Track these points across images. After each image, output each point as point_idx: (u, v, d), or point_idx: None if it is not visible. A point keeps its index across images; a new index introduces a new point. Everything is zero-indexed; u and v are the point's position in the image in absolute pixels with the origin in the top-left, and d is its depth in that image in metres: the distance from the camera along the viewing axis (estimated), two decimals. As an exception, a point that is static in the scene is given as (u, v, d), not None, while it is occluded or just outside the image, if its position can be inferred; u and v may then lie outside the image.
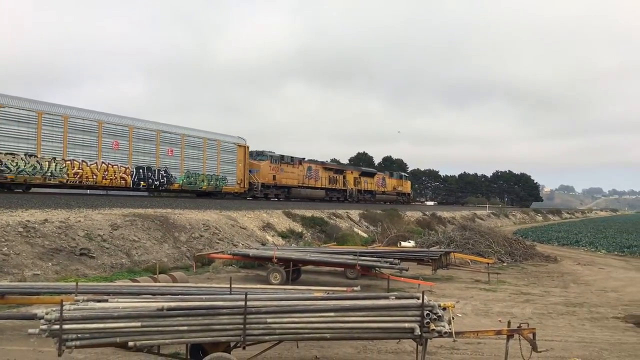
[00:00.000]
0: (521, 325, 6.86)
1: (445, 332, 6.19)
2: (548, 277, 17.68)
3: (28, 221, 14.41)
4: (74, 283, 8.45)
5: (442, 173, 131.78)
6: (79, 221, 15.72)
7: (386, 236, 25.78)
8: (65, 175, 23.30)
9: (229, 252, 15.39)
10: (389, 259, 13.90)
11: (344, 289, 8.86)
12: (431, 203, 79.11)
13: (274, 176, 37.70)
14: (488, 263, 17.76)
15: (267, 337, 5.92)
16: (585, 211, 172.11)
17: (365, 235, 29.05)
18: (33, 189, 23.36)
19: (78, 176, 23.90)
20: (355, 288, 8.44)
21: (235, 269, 16.83)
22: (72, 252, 14.12)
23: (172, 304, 5.68)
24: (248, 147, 34.82)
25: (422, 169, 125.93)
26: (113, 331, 5.46)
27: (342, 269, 15.64)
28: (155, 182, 27.84)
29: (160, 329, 5.54)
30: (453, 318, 6.51)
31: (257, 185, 35.44)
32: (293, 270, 14.43)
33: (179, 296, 6.81)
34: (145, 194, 28.78)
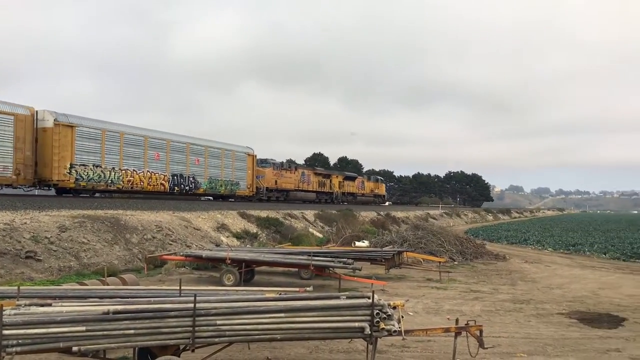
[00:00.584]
0: (469, 322, 7.02)
1: (395, 331, 6.28)
2: (497, 275, 18.14)
3: (-31, 223, 13.86)
4: (16, 287, 8.16)
5: (396, 173, 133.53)
6: (25, 223, 15.21)
7: (341, 236, 25.93)
8: (121, 183, 27.42)
9: (181, 253, 15.18)
10: (342, 259, 13.98)
11: (297, 289, 8.87)
12: (386, 204, 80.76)
13: (276, 181, 42.81)
14: (440, 262, 18.10)
15: (216, 339, 5.87)
16: (534, 210, 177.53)
17: (320, 235, 29.14)
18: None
19: (130, 183, 28.07)
20: (307, 288, 8.45)
21: (189, 270, 16.61)
22: (17, 255, 13.65)
23: (119, 307, 5.56)
24: (255, 156, 39.75)
25: (377, 169, 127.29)
26: (56, 336, 5.31)
27: (296, 269, 15.66)
28: (186, 188, 32.11)
29: (106, 333, 5.42)
30: (402, 317, 6.61)
31: (263, 189, 40.71)
32: (247, 271, 14.37)
33: (128, 299, 6.68)
34: (97, 195, 28.43)
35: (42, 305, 5.77)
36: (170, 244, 18.58)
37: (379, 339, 6.45)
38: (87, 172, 25.35)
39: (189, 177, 32.16)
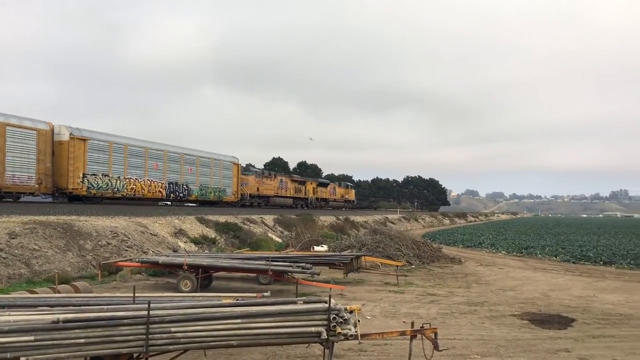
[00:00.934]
0: (424, 325, 7.13)
1: (351, 335, 6.31)
2: (453, 278, 18.47)
3: None
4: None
5: (355, 178, 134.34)
6: (-29, 230, 14.67)
7: (300, 241, 25.92)
8: (126, 190, 29.92)
9: (137, 259, 14.91)
10: (301, 264, 13.99)
11: (254, 294, 8.83)
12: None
13: (258, 188, 45.75)
14: (397, 266, 18.31)
15: (171, 347, 5.78)
16: (489, 214, 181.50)
17: (279, 240, 29.05)
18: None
19: (133, 190, 30.62)
20: (265, 294, 8.43)
21: (145, 277, 16.32)
22: (-37, 263, 13.14)
23: (69, 316, 5.42)
24: (240, 165, 42.65)
25: (337, 174, 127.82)
26: (3, 346, 5.13)
27: (255, 274, 15.57)
28: (180, 194, 34.83)
29: (55, 342, 5.27)
30: (359, 321, 6.66)
31: (247, 195, 43.41)
32: (204, 277, 14.20)
33: (79, 307, 6.52)
34: (49, 200, 27.77)
35: (-12, 315, 5.57)
36: (126, 250, 18.21)
37: (335, 343, 6.48)
38: (97, 181, 28.05)
39: (182, 184, 35.09)
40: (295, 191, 54.10)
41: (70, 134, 26.58)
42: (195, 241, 23.03)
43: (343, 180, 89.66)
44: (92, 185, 27.52)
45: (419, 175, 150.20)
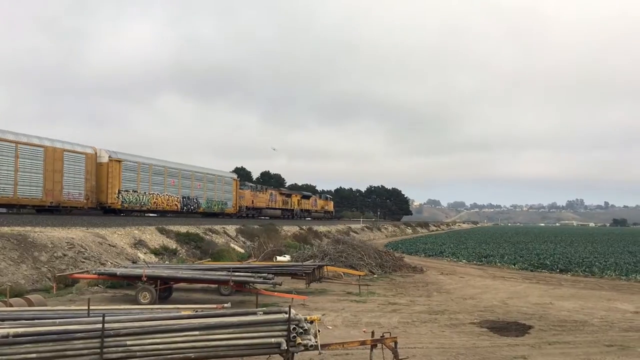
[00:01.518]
0: (384, 334, 7.17)
1: (312, 345, 6.31)
2: (414, 287, 18.64)
3: None
4: None
5: (319, 188, 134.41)
6: None
7: (262, 251, 25.77)
8: (149, 204, 35.75)
9: (94, 271, 14.55)
10: (263, 274, 13.91)
11: (214, 306, 8.72)
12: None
13: (252, 201, 52.41)
14: (359, 275, 18.39)
15: (127, 361, 5.66)
16: (450, 224, 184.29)
17: (242, 250, 28.81)
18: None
19: (155, 204, 36.52)
20: (225, 305, 8.34)
21: (102, 289, 15.93)
22: None
23: (20, 330, 5.25)
24: (238, 180, 50.27)
25: (300, 184, 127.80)
26: (-52, 363, 4.94)
27: (216, 285, 15.39)
28: (191, 207, 40.88)
29: (5, 357, 5.09)
30: (319, 331, 6.66)
31: (243, 208, 49.93)
32: (164, 289, 13.96)
33: (31, 321, 6.31)
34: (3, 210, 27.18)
35: None
36: (83, 262, 17.74)
37: (296, 354, 6.45)
38: (129, 197, 33.42)
39: (193, 198, 41.05)
40: (283, 203, 60.29)
41: (109, 157, 31.99)
42: (156, 252, 22.63)
43: (306, 190, 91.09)
44: (125, 200, 32.99)
45: (381, 185, 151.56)
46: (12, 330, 5.22)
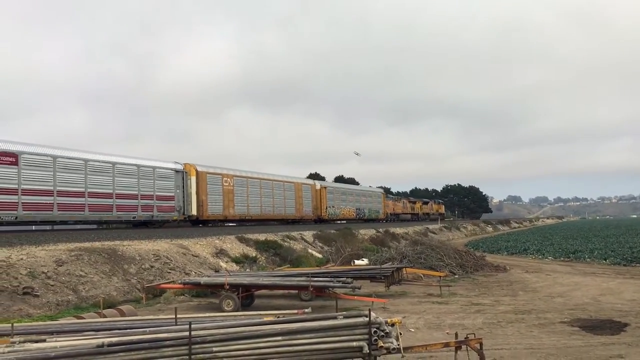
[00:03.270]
0: (468, 336, 6.99)
1: (394, 349, 6.24)
2: (498, 286, 18.07)
3: (-35, 262, 13.77)
4: (11, 324, 8.09)
5: (394, 190, 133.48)
6: (21, 259, 15.11)
7: (340, 256, 25.83)
8: (341, 215, 48.80)
9: (179, 281, 15.09)
10: (342, 278, 13.93)
11: (295, 311, 8.81)
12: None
13: (393, 208, 67.69)
14: (440, 276, 18.04)
15: (214, 367, 5.81)
16: (533, 220, 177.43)
17: (319, 255, 29.00)
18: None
19: (343, 215, 50.89)
20: (306, 310, 8.41)
21: (188, 298, 16.48)
22: (15, 291, 13.53)
23: (114, 340, 5.52)
24: (385, 194, 67.14)
25: (375, 186, 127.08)
26: (51, 372, 5.26)
27: (296, 291, 15.56)
28: (361, 215, 56.04)
29: (101, 366, 5.37)
30: (401, 333, 6.57)
31: (388, 214, 64.57)
32: (246, 296, 14.27)
33: (124, 331, 6.62)
34: (94, 227, 28.79)
35: (36, 342, 5.72)
36: (169, 273, 18.46)
37: (378, 357, 6.40)
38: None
39: (362, 209, 56.88)
40: (410, 209, 74.90)
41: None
42: (236, 260, 23.18)
43: (437, 198, 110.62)
44: (331, 213, 41.23)
45: (458, 184, 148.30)
46: (106, 340, 5.49)
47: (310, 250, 29.72)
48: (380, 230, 44.95)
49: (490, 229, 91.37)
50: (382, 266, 18.27)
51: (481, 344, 6.84)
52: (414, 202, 78.57)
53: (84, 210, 25.13)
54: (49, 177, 23.71)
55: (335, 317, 6.54)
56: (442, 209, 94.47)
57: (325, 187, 48.41)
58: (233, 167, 39.21)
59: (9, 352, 5.33)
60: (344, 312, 7.19)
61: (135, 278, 17.15)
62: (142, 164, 28.96)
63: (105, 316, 10.07)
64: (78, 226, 26.87)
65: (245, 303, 14.14)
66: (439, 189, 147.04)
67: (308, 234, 33.83)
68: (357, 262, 22.90)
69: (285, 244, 28.53)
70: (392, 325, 6.47)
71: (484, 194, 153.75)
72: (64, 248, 17.34)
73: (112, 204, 26.55)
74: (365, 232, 40.85)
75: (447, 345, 6.99)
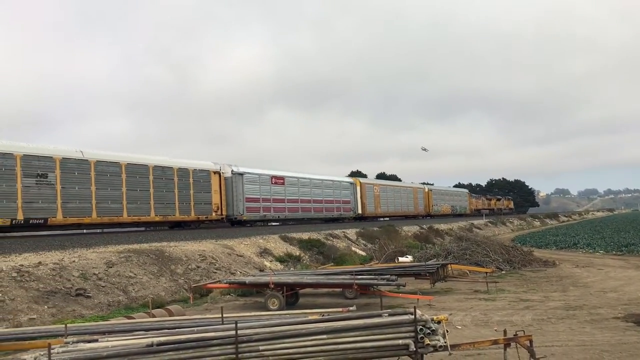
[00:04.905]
0: (517, 333, 6.84)
1: (441, 346, 6.17)
2: (547, 282, 17.63)
3: (22, 265, 14.29)
4: (65, 325, 8.36)
5: (437, 185, 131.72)
6: (74, 261, 15.61)
7: (384, 253, 25.69)
8: (440, 211, 56.43)
9: (225, 281, 15.30)
10: (386, 276, 13.86)
11: (340, 309, 8.82)
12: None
13: (476, 205, 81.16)
14: (486, 272, 17.73)
15: (260, 365, 5.86)
16: (582, 213, 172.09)
17: (363, 253, 28.92)
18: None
19: (439, 212, 61.46)
20: (350, 308, 8.41)
21: (234, 297, 16.70)
22: (68, 293, 13.99)
23: (162, 339, 5.63)
24: (470, 194, 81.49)
25: (419, 182, 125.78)
26: (103, 371, 5.40)
27: (341, 289, 15.56)
28: (455, 211, 68.83)
29: (151, 365, 5.49)
30: (447, 331, 6.48)
31: (473, 210, 77.06)
32: (290, 295, 14.35)
33: (172, 330, 6.75)
34: (142, 229, 29.50)
35: (89, 342, 5.89)
36: (215, 273, 18.74)
37: (425, 355, 6.33)
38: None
39: (455, 207, 67.23)
40: (488, 205, 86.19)
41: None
42: (280, 259, 23.34)
43: (506, 194, 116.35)
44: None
45: (503, 178, 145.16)
46: (155, 340, 5.61)
47: (353, 248, 29.67)
48: (424, 226, 44.45)
49: (538, 223, 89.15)
50: (427, 263, 18.09)
51: (531, 341, 6.69)
52: (490, 199, 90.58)
53: (310, 211, 40.13)
54: (296, 191, 38.62)
55: (380, 315, 6.50)
56: (512, 204, 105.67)
57: (431, 190, 62.37)
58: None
59: (63, 352, 5.51)
60: (389, 310, 7.14)
61: (183, 278, 17.49)
62: (336, 179, 44.66)
63: (154, 316, 10.30)
64: (126, 229, 27.62)
65: (290, 302, 14.22)
66: (483, 183, 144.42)
67: (351, 232, 33.77)
68: (401, 259, 22.73)
69: (328, 242, 28.57)
70: (439, 322, 6.39)
71: (530, 187, 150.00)
72: (114, 250, 17.81)
73: (322, 207, 41.34)
74: (409, 229, 40.48)
75: (495, 342, 6.86)
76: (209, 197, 31.18)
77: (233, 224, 33.74)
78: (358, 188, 46.16)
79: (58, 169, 22.57)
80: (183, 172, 29.52)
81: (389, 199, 52.00)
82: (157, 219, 28.02)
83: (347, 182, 45.58)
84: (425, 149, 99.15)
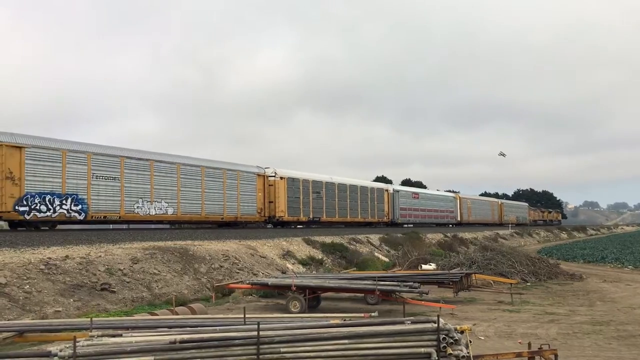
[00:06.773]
0: (542, 346, 6.72)
1: (463, 356, 6.09)
2: (573, 295, 17.31)
3: (49, 258, 14.56)
4: (90, 319, 8.49)
5: (462, 194, 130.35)
6: (100, 256, 15.85)
7: (407, 260, 25.52)
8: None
9: (248, 281, 15.37)
10: (409, 283, 13.75)
11: (362, 315, 8.77)
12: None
13: (534, 216, 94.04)
14: (511, 283, 17.48)
15: (281, 367, 5.86)
16: (612, 227, 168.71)
17: (386, 259, 28.79)
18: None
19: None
20: (372, 314, 8.35)
21: (256, 298, 16.77)
22: (93, 287, 14.20)
23: (185, 337, 5.68)
24: (528, 206, 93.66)
25: (444, 190, 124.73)
26: (126, 366, 5.47)
27: (362, 294, 15.50)
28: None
29: (173, 362, 5.53)
30: (471, 341, 6.40)
31: (528, 220, 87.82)
32: (312, 298, 14.34)
33: (195, 328, 6.80)
34: (167, 226, 29.82)
35: (113, 336, 5.97)
36: (238, 273, 18.83)
37: (447, 365, 6.25)
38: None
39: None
40: (541, 216, 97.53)
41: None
42: (303, 262, 23.36)
43: (548, 207, 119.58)
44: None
45: (530, 188, 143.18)
46: (178, 337, 5.66)
47: (376, 254, 29.55)
48: (449, 234, 44.06)
49: (565, 235, 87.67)
50: (451, 271, 17.91)
51: (556, 355, 6.57)
52: (544, 211, 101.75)
53: (432, 218, 55.36)
54: (425, 203, 54.68)
55: (402, 322, 6.45)
56: (560, 216, 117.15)
57: (502, 203, 78.09)
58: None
59: (87, 345, 5.59)
60: (412, 317, 7.08)
61: (206, 277, 17.61)
62: (442, 194, 62.63)
63: (177, 313, 10.39)
64: (152, 226, 28.01)
65: (312, 305, 14.21)
66: (510, 193, 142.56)
67: (374, 237, 33.65)
68: (424, 266, 22.57)
69: (352, 246, 28.51)
70: (462, 332, 6.31)
71: (558, 199, 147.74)
72: (139, 247, 18.04)
73: (437, 214, 56.57)
74: (433, 237, 40.16)
75: (519, 355, 6.75)
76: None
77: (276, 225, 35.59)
78: (458, 201, 62.27)
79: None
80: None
81: (476, 209, 68.54)
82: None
83: (451, 196, 62.73)
84: (503, 154, 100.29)
